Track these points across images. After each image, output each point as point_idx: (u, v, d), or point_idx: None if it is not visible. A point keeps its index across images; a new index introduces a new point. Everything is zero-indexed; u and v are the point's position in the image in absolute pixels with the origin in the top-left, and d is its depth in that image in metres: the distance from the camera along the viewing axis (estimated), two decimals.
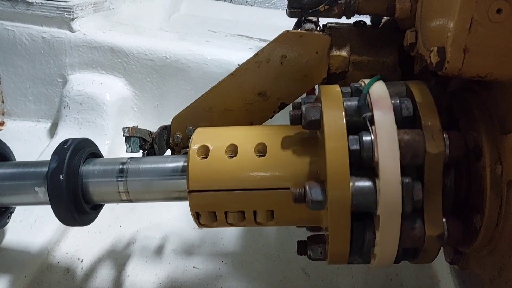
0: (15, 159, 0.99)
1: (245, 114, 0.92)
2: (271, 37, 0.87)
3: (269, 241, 1.16)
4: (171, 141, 0.96)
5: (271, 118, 0.93)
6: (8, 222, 0.98)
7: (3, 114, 1.54)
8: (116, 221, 1.19)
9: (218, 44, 1.47)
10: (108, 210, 1.13)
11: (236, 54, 1.38)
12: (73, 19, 1.42)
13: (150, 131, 0.95)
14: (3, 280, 0.94)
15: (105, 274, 1.05)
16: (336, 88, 0.76)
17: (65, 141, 0.85)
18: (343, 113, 0.68)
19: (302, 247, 0.77)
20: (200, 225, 0.77)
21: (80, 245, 1.12)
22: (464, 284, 0.94)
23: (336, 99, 0.72)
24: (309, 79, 0.90)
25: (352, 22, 0.92)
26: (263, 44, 0.87)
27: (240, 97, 0.91)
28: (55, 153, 0.83)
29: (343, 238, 0.67)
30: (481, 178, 0.66)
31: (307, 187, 0.66)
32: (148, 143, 0.93)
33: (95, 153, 0.90)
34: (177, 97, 1.40)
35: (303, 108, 0.70)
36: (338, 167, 0.64)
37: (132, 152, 0.89)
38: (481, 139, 0.65)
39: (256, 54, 0.89)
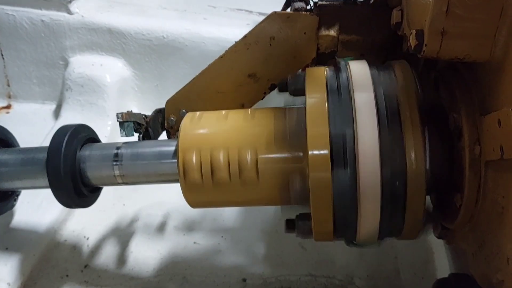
0: (18, 144, 1.02)
1: (236, 96, 0.94)
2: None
3: (268, 217, 1.19)
4: (165, 124, 0.98)
5: (262, 99, 0.94)
6: (15, 204, 1.03)
7: (9, 97, 1.57)
8: (120, 200, 1.24)
9: (216, 22, 1.47)
10: (112, 190, 1.17)
11: (234, 31, 1.38)
12: (70, 1, 1.43)
13: (144, 115, 0.97)
14: (13, 259, 1.00)
15: (109, 250, 1.11)
16: (322, 71, 0.77)
17: (62, 128, 0.88)
18: (325, 97, 0.70)
19: (290, 225, 0.80)
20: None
21: (86, 223, 1.17)
22: (457, 256, 0.96)
23: (320, 83, 0.73)
24: (298, 60, 0.91)
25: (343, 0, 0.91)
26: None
27: (230, 80, 0.92)
28: (53, 140, 0.86)
29: (325, 216, 0.70)
30: (461, 158, 0.67)
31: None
32: (143, 126, 0.96)
33: (92, 138, 0.93)
34: (176, 76, 1.41)
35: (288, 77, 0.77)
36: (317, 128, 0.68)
37: (126, 136, 0.92)
38: (461, 120, 0.66)
39: (245, 36, 0.90)
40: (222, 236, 1.14)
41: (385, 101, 0.68)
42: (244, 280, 1.04)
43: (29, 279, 1.01)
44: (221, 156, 0.74)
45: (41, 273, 1.03)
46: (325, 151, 0.67)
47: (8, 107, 1.56)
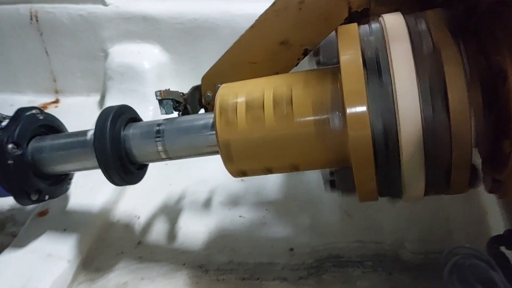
0: (66, 130, 1.08)
1: (269, 65, 0.93)
2: None
3: (311, 187, 1.19)
4: (203, 100, 1.00)
5: (296, 66, 0.93)
6: (69, 188, 1.08)
7: (56, 92, 1.65)
8: (167, 180, 1.28)
9: None
10: (158, 171, 1.21)
11: (262, 6, 1.36)
12: None
13: (182, 93, 0.99)
14: (72, 239, 1.06)
15: (159, 227, 1.15)
16: (354, 27, 0.75)
17: (105, 110, 0.92)
18: (360, 51, 0.69)
19: (333, 185, 0.80)
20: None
21: (136, 203, 1.22)
22: (511, 212, 0.92)
23: (353, 38, 0.72)
24: (330, 22, 0.88)
25: None
26: None
27: (262, 49, 0.92)
28: (98, 122, 0.90)
29: (368, 176, 0.69)
30: (508, 102, 0.63)
31: None
32: (181, 104, 0.98)
33: (134, 118, 0.96)
34: (211, 57, 1.40)
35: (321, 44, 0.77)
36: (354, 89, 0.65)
37: (166, 114, 0.94)
38: (505, 62, 0.63)
39: (274, 3, 0.89)
40: (266, 209, 1.15)
41: (422, 50, 0.66)
42: (292, 249, 1.05)
43: (87, 257, 1.07)
44: (257, 96, 0.75)
45: (98, 251, 1.09)
46: (363, 108, 0.66)
47: (56, 101, 1.64)
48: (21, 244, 1.05)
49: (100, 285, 1.01)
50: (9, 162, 0.92)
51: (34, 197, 0.97)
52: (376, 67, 0.67)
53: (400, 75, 0.64)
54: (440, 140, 0.64)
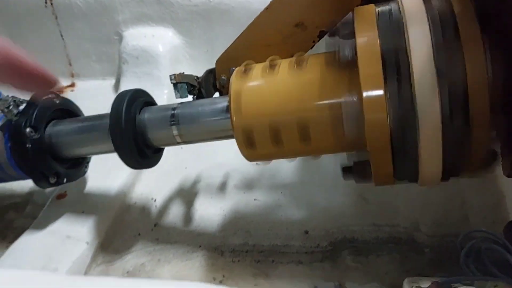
0: (83, 114, 1.09)
1: (284, 47, 0.92)
2: None
3: (326, 172, 1.18)
4: (217, 84, 0.99)
5: (311, 48, 0.92)
6: (86, 171, 1.10)
7: (72, 76, 1.67)
8: (182, 164, 1.28)
9: None
10: (174, 155, 1.22)
11: None
12: None
13: (196, 76, 0.99)
14: (91, 220, 1.08)
15: (175, 210, 1.16)
16: (371, 8, 0.74)
17: (121, 94, 0.92)
18: (377, 34, 0.67)
19: (348, 172, 0.80)
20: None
21: (153, 186, 1.23)
22: None
23: (370, 20, 0.70)
24: (347, 2, 0.87)
25: None
26: None
27: (277, 31, 0.91)
28: (113, 106, 0.90)
29: (384, 158, 0.68)
30: None
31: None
32: (196, 87, 0.97)
33: (149, 102, 0.96)
34: (225, 40, 1.38)
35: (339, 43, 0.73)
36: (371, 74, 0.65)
37: (180, 97, 0.94)
38: None
39: None
40: (281, 192, 1.16)
41: (442, 34, 0.64)
42: (307, 232, 1.05)
43: (105, 239, 1.09)
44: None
45: (115, 233, 1.11)
46: (380, 91, 0.65)
47: (72, 85, 1.66)
48: (41, 226, 1.07)
49: (118, 266, 1.03)
50: (28, 145, 0.93)
51: (52, 180, 0.98)
52: (393, 50, 0.66)
53: (418, 58, 0.62)
54: (458, 122, 0.63)
